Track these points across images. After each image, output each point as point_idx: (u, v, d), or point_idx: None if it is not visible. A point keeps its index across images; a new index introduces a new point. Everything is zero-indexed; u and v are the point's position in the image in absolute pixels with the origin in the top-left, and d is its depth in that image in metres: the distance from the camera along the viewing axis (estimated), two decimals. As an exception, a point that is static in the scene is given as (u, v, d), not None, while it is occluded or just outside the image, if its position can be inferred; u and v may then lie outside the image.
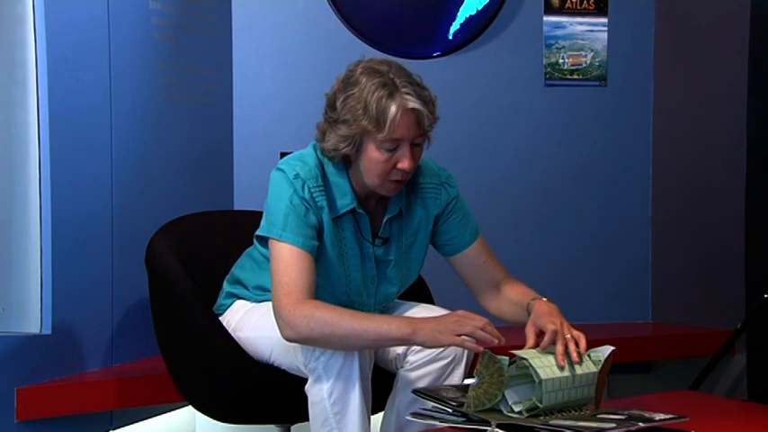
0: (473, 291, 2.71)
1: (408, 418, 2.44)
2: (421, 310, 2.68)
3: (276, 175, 2.54)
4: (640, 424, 2.27)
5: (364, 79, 2.45)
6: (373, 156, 2.46)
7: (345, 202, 2.54)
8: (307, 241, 2.49)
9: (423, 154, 2.56)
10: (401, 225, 2.63)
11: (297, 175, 2.51)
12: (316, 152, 2.56)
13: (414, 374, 2.59)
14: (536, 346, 2.40)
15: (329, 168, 2.55)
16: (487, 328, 2.33)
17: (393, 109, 2.41)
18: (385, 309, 2.70)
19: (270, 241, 2.52)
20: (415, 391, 2.48)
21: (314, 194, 2.51)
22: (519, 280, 2.68)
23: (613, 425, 2.25)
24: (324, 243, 2.54)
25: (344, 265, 2.58)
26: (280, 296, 2.45)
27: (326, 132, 2.50)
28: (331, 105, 2.49)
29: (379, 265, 2.62)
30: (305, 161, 2.54)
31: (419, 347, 2.56)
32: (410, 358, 2.60)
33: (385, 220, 2.60)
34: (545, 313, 2.45)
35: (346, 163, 2.54)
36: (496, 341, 2.33)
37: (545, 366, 2.35)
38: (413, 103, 2.43)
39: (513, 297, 2.63)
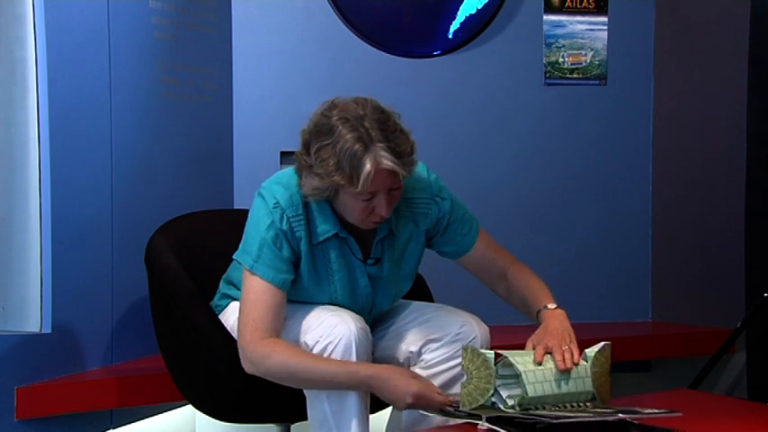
0: (484, 282, 2.73)
1: (422, 412, 2.46)
2: (423, 307, 2.69)
3: (257, 200, 2.54)
4: (620, 414, 2.28)
5: (338, 129, 2.37)
6: (349, 204, 2.45)
7: (326, 228, 2.52)
8: (278, 275, 2.49)
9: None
10: (392, 242, 2.61)
11: (276, 204, 2.49)
12: (299, 187, 2.52)
13: (429, 372, 2.59)
14: None
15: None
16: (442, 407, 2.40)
17: (367, 167, 2.36)
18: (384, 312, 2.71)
19: (242, 269, 2.53)
20: None
21: (292, 224, 2.49)
22: (523, 265, 2.69)
23: (590, 414, 2.27)
24: (301, 272, 2.53)
25: (331, 288, 2.57)
26: (245, 331, 2.48)
27: (303, 174, 2.46)
28: (305, 148, 2.44)
29: (372, 281, 2.61)
30: (287, 186, 2.51)
31: (436, 345, 2.59)
32: (426, 356, 2.60)
33: (375, 241, 2.58)
34: (549, 333, 2.47)
35: None
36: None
37: (526, 362, 2.38)
38: (387, 161, 2.37)
39: (522, 295, 2.64)
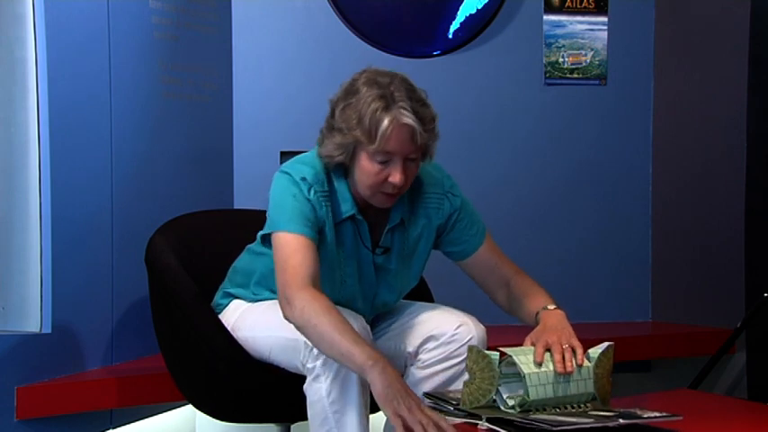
0: (484, 290, 2.72)
1: None
2: (420, 307, 2.69)
3: (280, 176, 2.54)
4: (620, 420, 2.27)
5: (364, 89, 2.43)
6: (365, 166, 2.46)
7: (346, 208, 2.54)
8: (311, 231, 2.48)
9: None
10: (403, 234, 2.62)
11: (304, 179, 2.50)
12: (320, 157, 2.54)
13: (425, 372, 2.59)
14: None
15: (332, 174, 2.54)
16: None
17: (386, 122, 2.40)
18: (385, 311, 2.71)
19: (273, 236, 2.51)
20: (426, 395, 2.49)
21: (320, 198, 2.50)
22: (528, 276, 2.68)
23: (591, 419, 2.26)
24: (325, 247, 2.53)
25: (341, 271, 2.58)
26: (287, 277, 2.43)
27: (324, 138, 2.50)
28: (331, 112, 2.49)
29: (379, 272, 2.61)
30: (312, 165, 2.53)
31: (433, 345, 2.59)
32: (422, 356, 2.60)
33: (386, 230, 2.59)
34: (547, 329, 2.47)
35: (345, 170, 2.54)
36: None
37: (529, 362, 2.38)
38: (407, 118, 2.41)
39: (522, 299, 2.63)
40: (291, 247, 2.46)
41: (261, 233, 2.62)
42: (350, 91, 2.46)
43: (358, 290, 2.60)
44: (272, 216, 2.54)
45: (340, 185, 2.54)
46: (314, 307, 2.38)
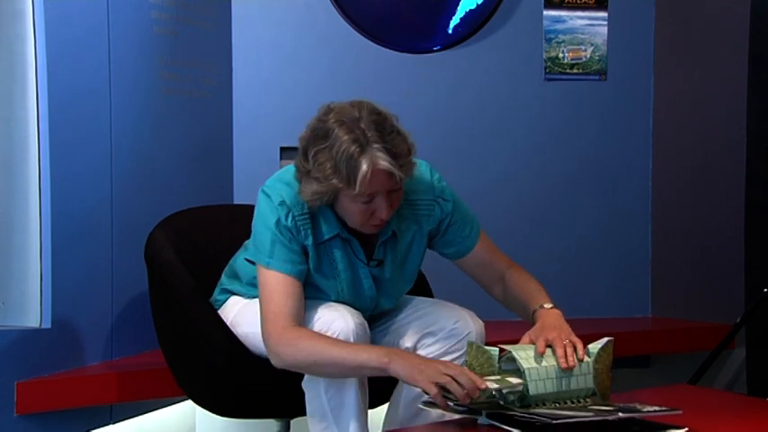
0: (480, 285, 2.73)
1: (420, 406, 2.44)
2: (419, 303, 2.69)
3: (262, 198, 2.53)
4: (620, 414, 2.28)
5: (335, 132, 2.38)
6: (350, 208, 2.45)
7: (329, 228, 2.53)
8: (294, 267, 2.49)
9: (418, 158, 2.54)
10: (395, 244, 2.61)
11: (282, 202, 2.49)
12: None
13: None
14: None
15: None
16: (467, 385, 2.28)
17: (364, 168, 2.35)
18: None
19: (257, 267, 2.53)
20: (425, 403, 2.48)
21: (298, 223, 2.49)
22: (521, 268, 2.69)
23: (591, 413, 2.27)
24: (310, 268, 2.53)
25: (337, 287, 2.57)
26: (266, 325, 2.47)
27: (302, 180, 2.45)
28: (304, 154, 2.44)
29: (376, 283, 2.61)
30: (292, 185, 2.50)
31: (431, 341, 2.59)
32: (421, 352, 2.60)
33: (378, 243, 2.58)
34: (546, 327, 2.47)
35: None
36: (468, 400, 2.29)
37: (529, 358, 2.38)
38: (383, 161, 2.36)
39: (518, 295, 2.63)
40: (272, 288, 2.48)
41: (246, 257, 2.63)
42: (319, 134, 2.40)
43: (355, 302, 2.59)
44: (255, 242, 2.55)
45: (324, 208, 2.51)
46: (302, 343, 2.41)
